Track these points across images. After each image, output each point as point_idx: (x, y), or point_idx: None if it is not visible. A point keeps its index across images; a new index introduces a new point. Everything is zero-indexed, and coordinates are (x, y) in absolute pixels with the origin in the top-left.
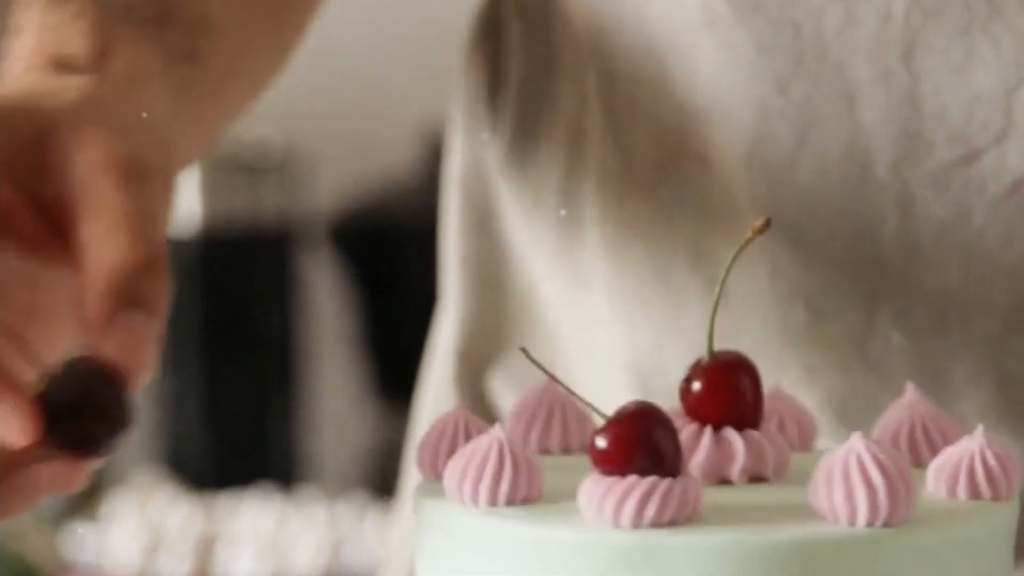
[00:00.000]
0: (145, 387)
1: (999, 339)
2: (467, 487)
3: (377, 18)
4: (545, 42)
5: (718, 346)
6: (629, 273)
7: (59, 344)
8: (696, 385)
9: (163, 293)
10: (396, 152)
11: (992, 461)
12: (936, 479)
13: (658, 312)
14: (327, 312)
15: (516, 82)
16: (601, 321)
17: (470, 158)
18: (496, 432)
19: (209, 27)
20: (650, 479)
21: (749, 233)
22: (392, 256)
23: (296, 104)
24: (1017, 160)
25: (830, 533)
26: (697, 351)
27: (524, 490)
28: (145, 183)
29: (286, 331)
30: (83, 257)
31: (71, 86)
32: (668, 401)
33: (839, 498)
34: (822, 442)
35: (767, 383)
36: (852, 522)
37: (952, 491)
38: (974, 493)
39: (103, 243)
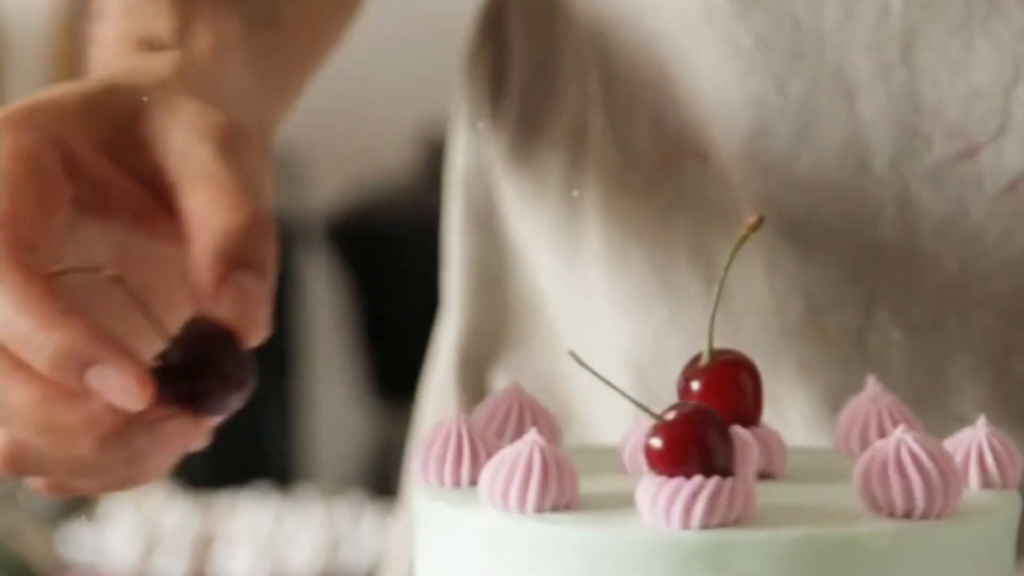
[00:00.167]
0: None
1: (997, 334)
2: (513, 493)
3: (376, 19)
4: (547, 42)
5: (717, 342)
6: (629, 270)
7: (174, 315)
8: (696, 384)
9: (271, 252)
10: (394, 153)
11: (1000, 448)
12: None
13: (658, 309)
14: (324, 311)
15: (518, 81)
16: (601, 318)
17: (472, 158)
18: (534, 437)
19: None
20: (714, 480)
21: (744, 230)
22: (389, 256)
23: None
24: (1015, 156)
25: (892, 527)
26: (697, 348)
27: (568, 495)
28: (241, 147)
29: (284, 330)
30: (190, 225)
31: (159, 63)
32: (668, 398)
33: (896, 491)
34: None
35: (765, 378)
36: (909, 515)
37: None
38: (986, 482)
39: (208, 209)
